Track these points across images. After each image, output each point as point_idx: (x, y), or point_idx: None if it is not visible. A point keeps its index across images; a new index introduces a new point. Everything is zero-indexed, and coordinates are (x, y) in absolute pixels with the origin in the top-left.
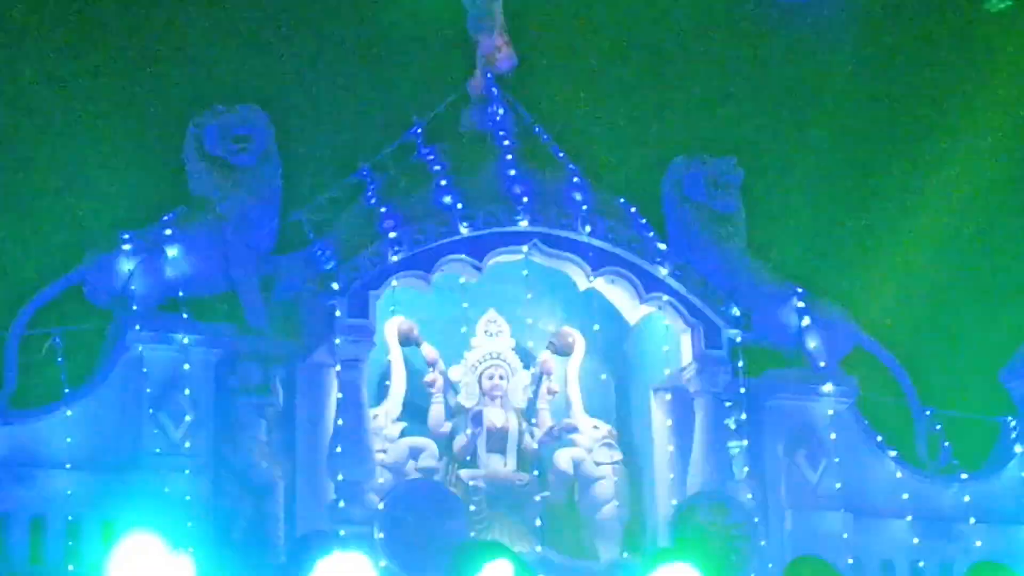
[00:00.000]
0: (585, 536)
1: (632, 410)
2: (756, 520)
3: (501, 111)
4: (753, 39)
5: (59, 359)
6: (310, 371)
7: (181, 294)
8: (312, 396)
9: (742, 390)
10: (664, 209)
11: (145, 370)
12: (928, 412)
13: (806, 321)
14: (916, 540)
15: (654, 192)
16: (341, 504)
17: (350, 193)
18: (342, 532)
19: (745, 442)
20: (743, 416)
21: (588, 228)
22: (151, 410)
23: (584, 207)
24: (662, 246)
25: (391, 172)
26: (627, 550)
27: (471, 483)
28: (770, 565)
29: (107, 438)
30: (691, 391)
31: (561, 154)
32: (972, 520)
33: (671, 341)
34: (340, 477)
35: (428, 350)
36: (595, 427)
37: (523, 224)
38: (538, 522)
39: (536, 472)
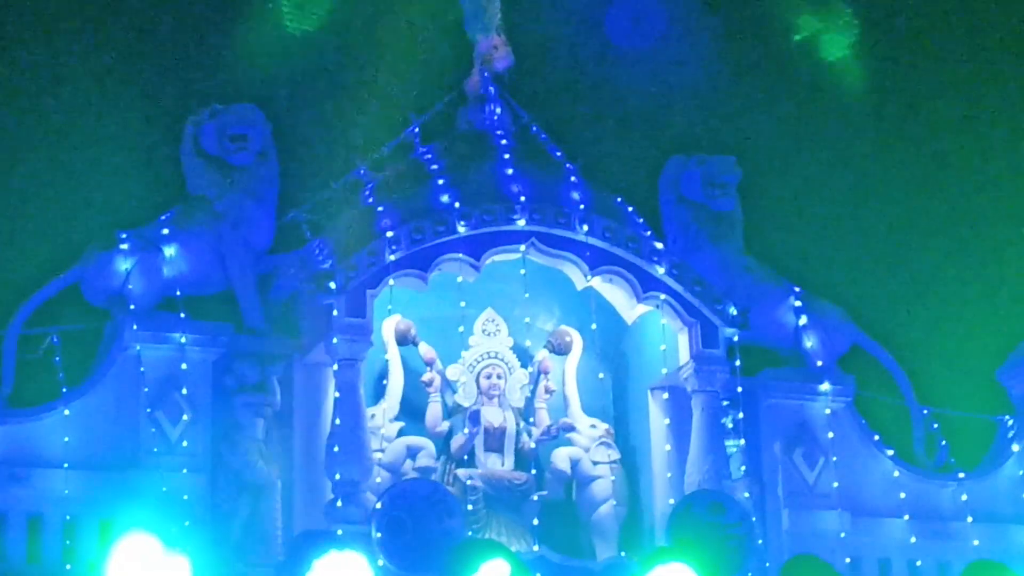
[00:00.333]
0: (582, 535)
1: (629, 409)
2: (753, 519)
3: (498, 110)
4: (750, 37)
5: (56, 358)
6: (307, 370)
7: (178, 293)
8: (309, 395)
9: (739, 389)
10: (661, 208)
11: (142, 369)
12: (925, 411)
13: (803, 320)
14: (913, 539)
15: (651, 191)
16: (338, 503)
17: (347, 192)
18: (339, 531)
19: (742, 441)
20: (740, 415)
21: (585, 227)
22: (148, 409)
23: (581, 206)
24: (659, 245)
25: (388, 171)
26: (624, 549)
27: (468, 482)
28: (767, 564)
29: (104, 437)
30: (688, 390)
31: (558, 153)
32: (969, 519)
33: (668, 340)
34: (337, 476)
35: (425, 349)
36: (592, 426)
37: (520, 223)
38: (535, 521)
39: (534, 471)
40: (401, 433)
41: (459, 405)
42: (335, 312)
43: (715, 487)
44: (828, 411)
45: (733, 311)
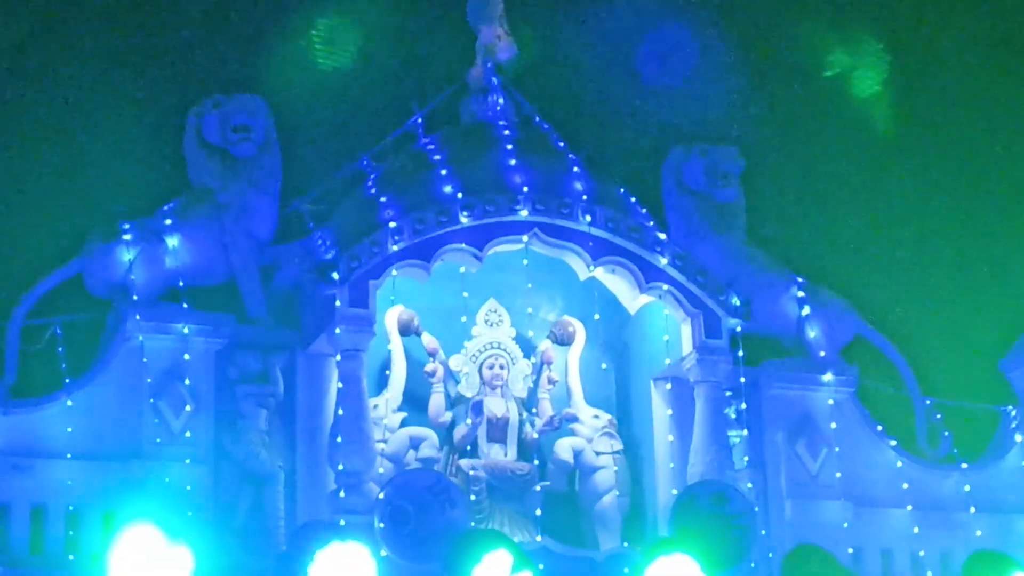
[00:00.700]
0: (585, 525)
1: (632, 400)
2: (756, 509)
3: (501, 101)
4: (753, 26)
5: (59, 349)
6: (310, 361)
7: (181, 284)
8: (312, 386)
9: (742, 379)
10: (664, 199)
11: (145, 360)
12: (928, 401)
13: (806, 310)
14: (916, 529)
15: (654, 182)
16: (341, 494)
17: (350, 182)
18: (342, 522)
19: (745, 431)
20: (743, 405)
21: (588, 218)
22: (151, 400)
23: (584, 197)
24: (662, 236)
25: (391, 162)
26: (627, 539)
27: (471, 473)
28: (770, 554)
29: (107, 428)
30: (691, 380)
31: (561, 143)
32: (972, 509)
33: (671, 330)
34: (340, 467)
35: (428, 340)
36: (595, 416)
37: (523, 213)
38: (538, 512)
39: (536, 462)
40: (404, 423)
41: (462, 395)
42: (338, 302)
43: (718, 477)
44: (831, 401)
45: (736, 301)
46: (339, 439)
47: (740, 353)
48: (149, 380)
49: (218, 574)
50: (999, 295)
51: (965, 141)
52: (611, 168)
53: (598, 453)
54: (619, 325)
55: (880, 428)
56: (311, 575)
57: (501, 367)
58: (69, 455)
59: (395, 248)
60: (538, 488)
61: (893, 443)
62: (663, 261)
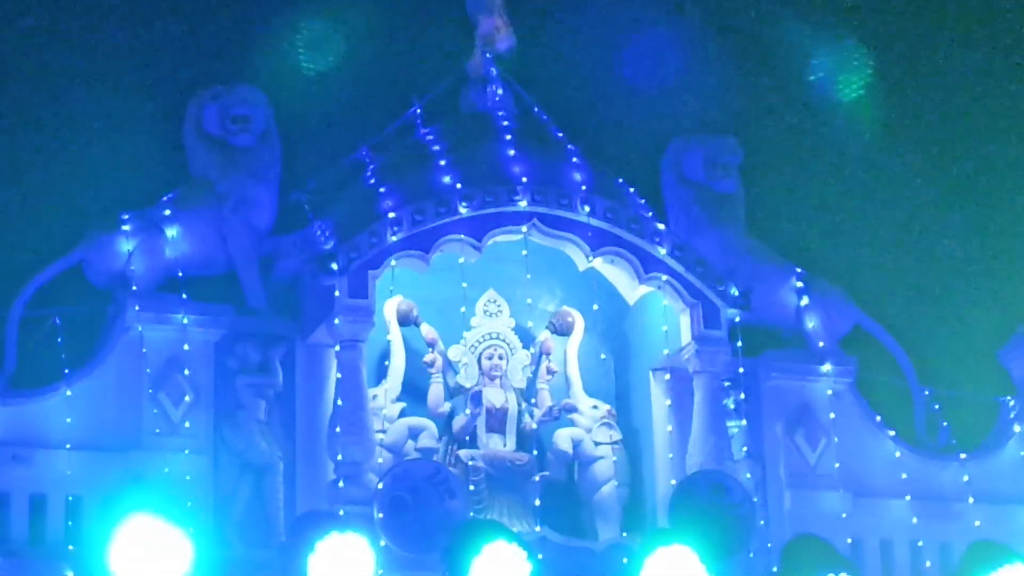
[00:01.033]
0: (584, 516)
1: (631, 390)
2: (755, 500)
3: (500, 91)
4: (752, 16)
5: (59, 340)
6: (309, 351)
7: (180, 274)
8: (311, 376)
9: (741, 370)
10: (663, 189)
11: (144, 350)
12: (927, 392)
13: (805, 301)
14: (915, 520)
15: (653, 172)
16: (340, 484)
17: (349, 173)
18: (341, 512)
19: (744, 422)
20: (742, 396)
21: (587, 208)
22: (151, 390)
23: (583, 187)
24: (661, 226)
25: (390, 152)
26: (626, 530)
27: (470, 463)
28: (769, 545)
29: (107, 418)
30: (690, 371)
31: (560, 134)
32: (971, 500)
33: (670, 321)
34: (339, 457)
35: (427, 330)
36: (594, 407)
37: (522, 204)
38: (537, 502)
39: (535, 452)
40: (403, 414)
41: (461, 386)
42: (337, 293)
43: (717, 468)
44: (830, 392)
45: (735, 292)
46: (338, 429)
47: (739, 343)
48: (148, 371)
49: (217, 564)
50: (998, 285)
51: (964, 130)
52: (610, 159)
53: (597, 443)
54: (618, 315)
55: (879, 418)
56: (311, 565)
57: (500, 357)
58: (68, 445)
59: (394, 239)
60: (537, 478)
61: (892, 433)
62: (662, 252)
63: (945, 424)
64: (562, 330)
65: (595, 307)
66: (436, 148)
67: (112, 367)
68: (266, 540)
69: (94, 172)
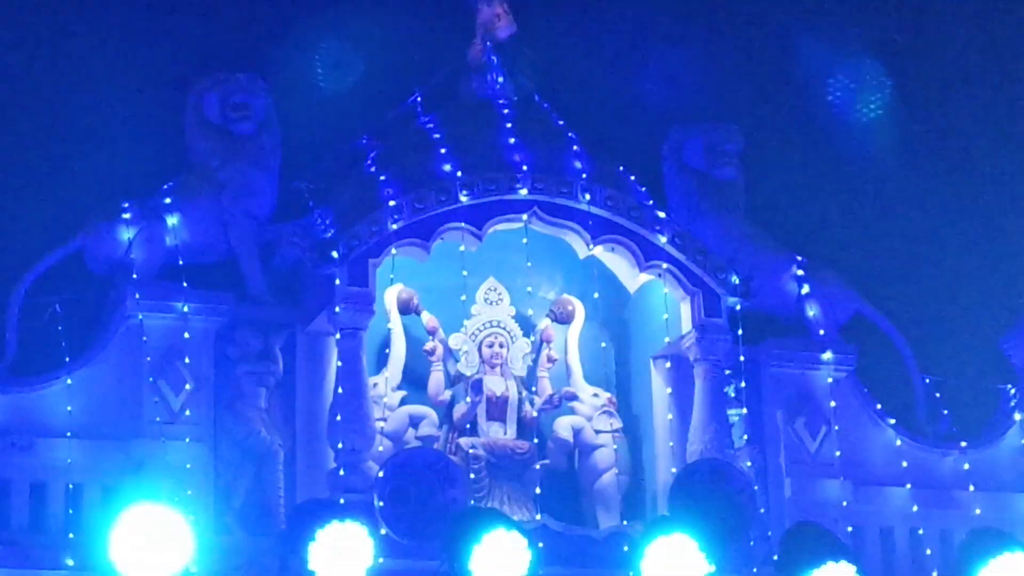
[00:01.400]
0: (585, 504)
1: (632, 378)
2: (755, 488)
3: (500, 79)
4: (753, 5)
5: (59, 328)
6: (310, 339)
7: (181, 262)
8: (312, 364)
9: (741, 358)
10: (664, 177)
11: (145, 339)
12: (927, 380)
13: (806, 289)
14: (915, 508)
15: (654, 160)
16: (341, 472)
17: (350, 161)
18: (342, 500)
19: (744, 410)
20: (742, 384)
21: (588, 196)
22: (151, 378)
23: (584, 175)
24: (662, 214)
25: (391, 140)
26: (626, 518)
27: (471, 451)
28: (769, 532)
29: (107, 407)
30: (691, 359)
31: (561, 122)
32: (971, 488)
33: (671, 309)
34: (340, 445)
35: (428, 318)
36: (595, 395)
37: (523, 192)
38: (538, 490)
39: (536, 440)
40: (403, 402)
41: (461, 374)
42: (337, 281)
43: (717, 456)
44: (830, 380)
45: (735, 280)
46: (339, 417)
47: (740, 332)
48: (149, 359)
49: (218, 552)
50: (999, 273)
51: (965, 120)
52: (611, 147)
53: (597, 432)
54: (619, 304)
55: (879, 407)
56: (311, 553)
57: (501, 345)
58: (69, 434)
59: (395, 227)
60: (537, 466)
61: (892, 421)
62: (663, 240)
63: (945, 412)
64: (563, 318)
65: (596, 295)
66: (436, 136)
67: (112, 355)
68: (266, 528)
69: (94, 160)
